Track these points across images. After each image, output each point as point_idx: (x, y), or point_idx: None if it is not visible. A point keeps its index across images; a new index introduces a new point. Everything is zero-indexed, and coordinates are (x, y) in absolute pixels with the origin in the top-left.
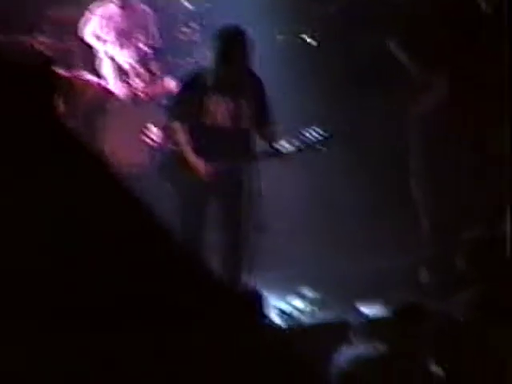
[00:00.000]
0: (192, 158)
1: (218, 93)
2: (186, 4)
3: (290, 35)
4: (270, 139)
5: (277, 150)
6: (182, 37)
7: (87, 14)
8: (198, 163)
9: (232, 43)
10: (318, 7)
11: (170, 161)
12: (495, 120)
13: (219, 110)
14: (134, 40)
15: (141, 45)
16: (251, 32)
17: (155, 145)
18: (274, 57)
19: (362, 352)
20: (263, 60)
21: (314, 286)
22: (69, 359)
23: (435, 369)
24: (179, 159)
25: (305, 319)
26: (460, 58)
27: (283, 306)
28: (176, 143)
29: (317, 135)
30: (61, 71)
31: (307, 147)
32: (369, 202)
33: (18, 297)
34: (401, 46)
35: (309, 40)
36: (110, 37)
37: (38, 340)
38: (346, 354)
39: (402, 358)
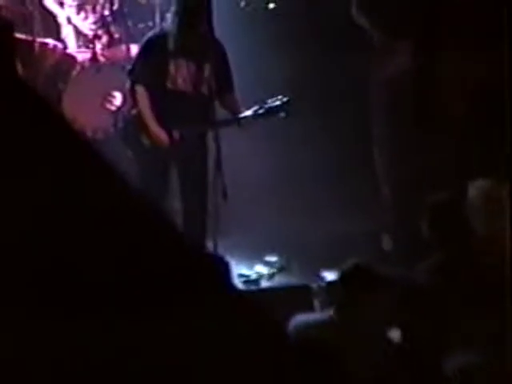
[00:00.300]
0: (152, 123)
1: (179, 57)
2: None
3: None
4: (232, 108)
5: (237, 117)
6: (142, 0)
7: None
8: (158, 129)
9: (194, 7)
10: None
11: (131, 126)
12: (459, 87)
13: (180, 74)
14: (93, 4)
15: (101, 9)
16: None
17: (117, 110)
18: (237, 23)
19: (313, 318)
20: (225, 26)
21: (276, 252)
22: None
23: (393, 336)
24: (140, 125)
25: (268, 284)
26: (425, 25)
27: (247, 271)
28: (137, 107)
29: (277, 102)
30: (21, 35)
31: (266, 113)
32: (332, 169)
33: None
34: (362, 12)
35: (271, 6)
36: (70, 1)
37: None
38: (298, 319)
39: (355, 324)
